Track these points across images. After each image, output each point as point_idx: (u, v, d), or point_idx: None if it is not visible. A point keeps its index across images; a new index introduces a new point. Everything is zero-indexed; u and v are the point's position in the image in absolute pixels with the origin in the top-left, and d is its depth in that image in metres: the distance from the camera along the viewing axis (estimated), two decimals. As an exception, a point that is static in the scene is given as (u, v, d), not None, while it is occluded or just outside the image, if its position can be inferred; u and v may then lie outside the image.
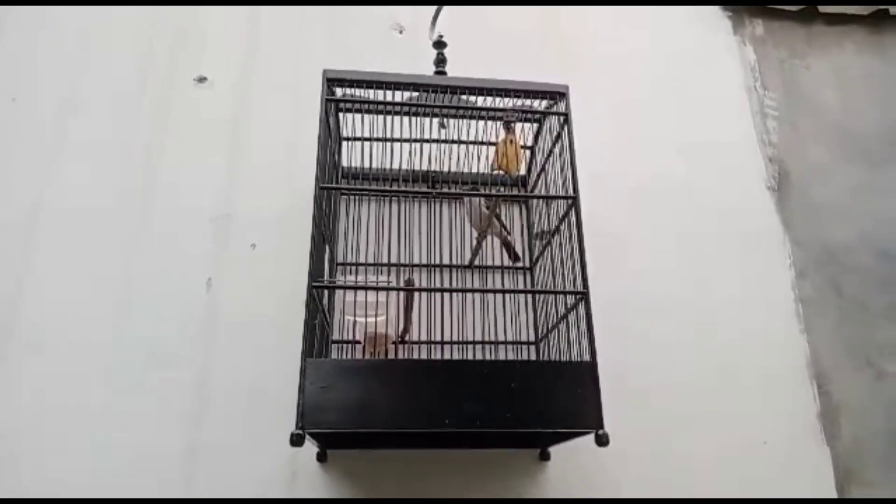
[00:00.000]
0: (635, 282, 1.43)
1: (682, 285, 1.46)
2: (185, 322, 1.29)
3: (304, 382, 0.90)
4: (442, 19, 1.35)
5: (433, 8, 1.36)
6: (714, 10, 1.84)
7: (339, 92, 1.15)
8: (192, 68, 1.55)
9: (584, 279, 1.04)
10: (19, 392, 1.21)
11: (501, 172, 1.21)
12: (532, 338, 1.32)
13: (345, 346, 1.22)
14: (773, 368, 1.41)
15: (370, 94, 1.14)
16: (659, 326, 1.40)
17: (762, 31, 1.82)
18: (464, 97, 1.19)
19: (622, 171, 1.55)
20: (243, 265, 1.36)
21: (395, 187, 1.25)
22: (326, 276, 1.19)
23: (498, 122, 1.21)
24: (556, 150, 1.19)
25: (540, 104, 1.21)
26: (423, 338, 1.20)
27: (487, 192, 1.29)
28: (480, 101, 1.19)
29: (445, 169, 1.26)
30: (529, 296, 1.35)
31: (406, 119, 1.21)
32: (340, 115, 1.28)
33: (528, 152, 1.38)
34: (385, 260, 1.24)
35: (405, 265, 1.22)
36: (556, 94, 1.18)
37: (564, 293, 1.11)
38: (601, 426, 0.94)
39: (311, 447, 1.16)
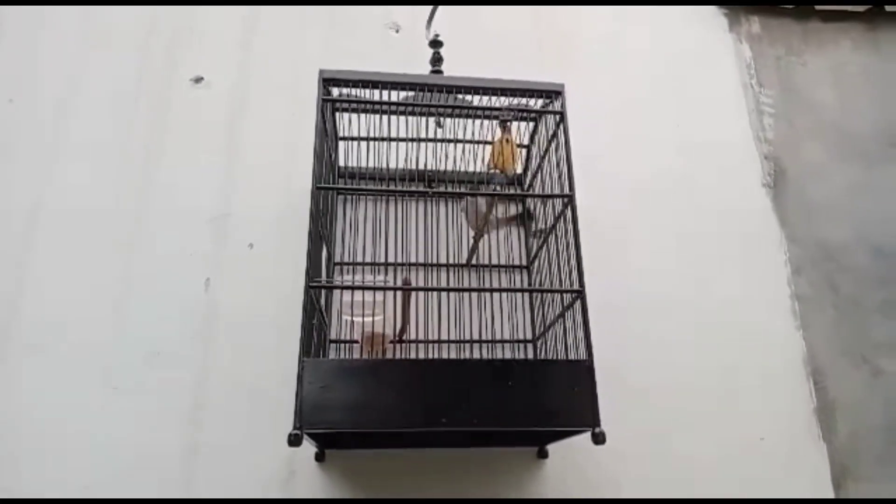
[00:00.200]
0: (632, 280, 1.43)
1: (679, 283, 1.46)
2: (184, 322, 1.30)
3: (302, 382, 0.91)
4: (438, 18, 1.35)
5: (429, 7, 1.36)
6: (710, 8, 1.84)
7: (335, 92, 1.15)
8: (191, 69, 1.55)
9: (581, 277, 1.05)
10: (19, 392, 1.22)
11: (498, 171, 1.21)
12: (529, 336, 1.32)
13: (343, 345, 1.22)
14: (770, 366, 1.41)
15: (366, 93, 1.14)
16: (656, 325, 1.41)
17: (758, 29, 1.82)
18: (460, 96, 1.20)
19: (619, 170, 1.55)
20: (242, 265, 1.36)
21: (392, 187, 1.26)
22: (324, 276, 1.19)
23: (494, 121, 1.21)
24: (553, 149, 1.19)
25: (536, 103, 1.21)
26: (421, 337, 1.21)
27: (484, 191, 1.30)
28: (477, 100, 1.19)
29: (442, 168, 1.26)
30: (526, 294, 1.36)
31: (403, 118, 1.22)
32: (337, 114, 1.28)
33: (524, 151, 1.38)
34: (382, 259, 1.24)
35: (402, 264, 1.23)
36: (553, 93, 1.18)
37: (561, 291, 1.12)
38: (598, 424, 0.94)
39: (309, 447, 1.16)
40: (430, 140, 1.24)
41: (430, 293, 1.18)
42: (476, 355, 1.26)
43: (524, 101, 1.19)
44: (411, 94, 1.17)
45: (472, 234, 1.31)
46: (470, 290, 1.26)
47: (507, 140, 1.20)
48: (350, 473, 1.21)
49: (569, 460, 1.25)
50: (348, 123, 1.28)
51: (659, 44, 1.76)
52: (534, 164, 1.35)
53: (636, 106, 1.66)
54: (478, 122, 1.25)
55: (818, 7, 1.84)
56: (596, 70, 1.68)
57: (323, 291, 1.14)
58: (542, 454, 1.26)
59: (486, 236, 1.31)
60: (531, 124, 1.34)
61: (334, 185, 1.32)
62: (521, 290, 1.37)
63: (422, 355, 1.22)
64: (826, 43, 1.84)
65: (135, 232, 1.37)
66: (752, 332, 1.44)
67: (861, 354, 1.45)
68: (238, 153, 1.47)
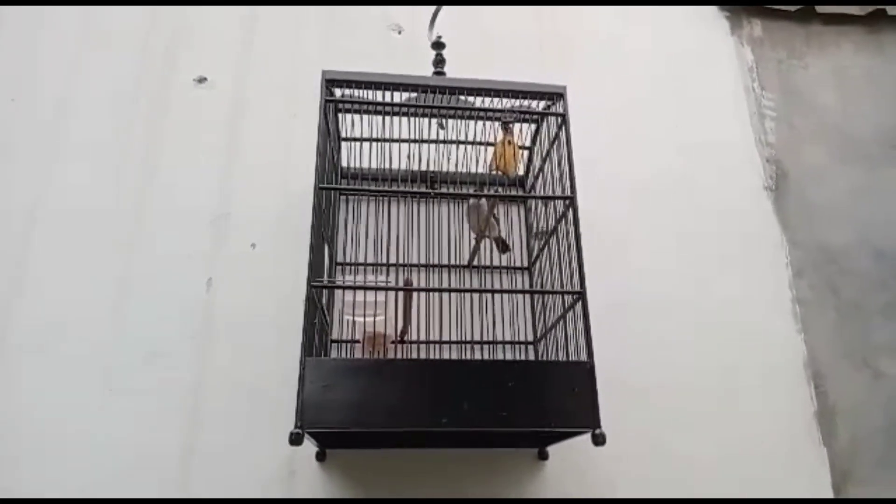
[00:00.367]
0: (633, 281, 1.43)
1: (680, 285, 1.46)
2: (184, 322, 1.29)
3: (304, 381, 0.90)
4: (440, 20, 1.35)
5: (432, 8, 1.36)
6: (712, 11, 1.84)
7: (338, 93, 1.15)
8: (190, 69, 1.55)
9: (582, 279, 1.05)
10: (19, 392, 1.22)
11: (499, 173, 1.21)
12: (530, 337, 1.32)
13: (344, 345, 1.22)
14: (771, 368, 1.41)
15: (369, 94, 1.15)
16: (657, 326, 1.41)
17: (760, 32, 1.83)
18: (462, 98, 1.20)
19: (620, 171, 1.55)
20: (241, 265, 1.36)
21: (394, 187, 1.26)
22: (326, 276, 1.19)
23: (496, 123, 1.22)
24: (554, 151, 1.20)
25: (538, 105, 1.21)
26: (422, 337, 1.21)
27: (486, 192, 1.30)
28: (479, 101, 1.20)
29: (444, 169, 1.26)
30: (528, 296, 1.36)
31: (405, 120, 1.22)
32: (340, 115, 1.29)
33: (525, 153, 1.38)
34: (384, 260, 1.24)
35: (404, 265, 1.23)
36: (554, 95, 1.18)
37: (562, 293, 1.12)
38: (598, 426, 0.94)
39: (309, 447, 1.16)
40: (433, 141, 1.24)
41: (431, 294, 1.18)
42: (477, 356, 1.26)
43: (526, 102, 1.19)
44: (414, 95, 1.17)
45: (473, 235, 1.31)
46: (471, 291, 1.26)
47: (510, 142, 1.20)
48: (351, 473, 1.20)
49: (569, 462, 1.25)
50: (350, 124, 1.28)
51: (660, 45, 1.76)
52: (535, 165, 1.35)
53: (637, 107, 1.66)
54: (480, 123, 1.25)
55: (819, 10, 1.84)
56: (597, 71, 1.68)
57: (325, 291, 1.14)
58: (543, 455, 1.25)
59: (487, 238, 1.31)
60: (533, 126, 1.34)
61: (337, 185, 1.32)
62: (523, 292, 1.37)
63: (423, 356, 1.22)
64: (828, 46, 1.84)
65: (134, 232, 1.37)
66: (753, 334, 1.44)
67: (862, 357, 1.45)
68: (238, 153, 1.47)
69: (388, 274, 1.27)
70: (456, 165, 1.30)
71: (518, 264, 1.39)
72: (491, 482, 1.23)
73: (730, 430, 1.34)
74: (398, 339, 1.14)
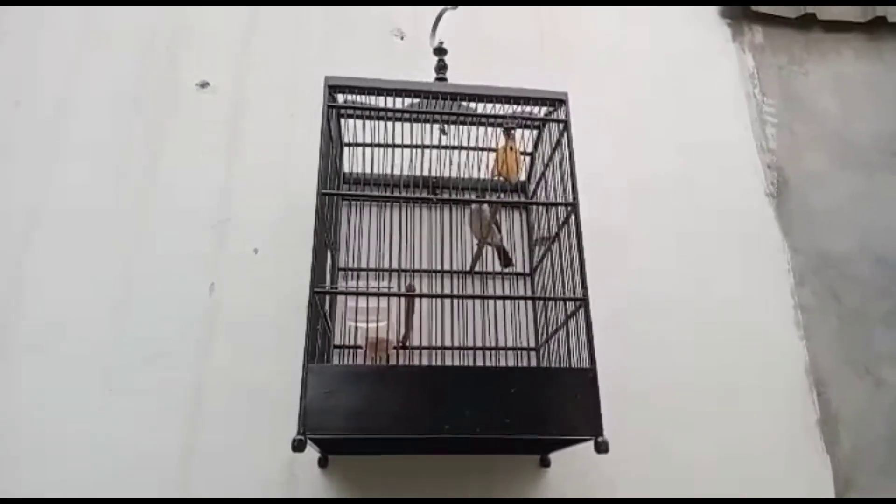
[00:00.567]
0: (635, 283, 1.44)
1: (682, 289, 1.46)
2: (184, 323, 1.29)
3: (307, 387, 0.90)
4: (442, 25, 1.35)
5: (434, 14, 1.36)
6: (713, 17, 1.84)
7: (340, 98, 1.15)
8: (191, 69, 1.55)
9: (584, 285, 1.05)
10: (19, 392, 1.21)
11: (501, 179, 1.21)
12: (532, 344, 1.32)
13: (346, 351, 1.22)
14: (773, 374, 1.41)
15: (371, 100, 1.14)
16: (659, 328, 1.41)
17: (761, 38, 1.83)
18: (464, 104, 1.20)
19: (621, 174, 1.55)
20: (242, 267, 1.36)
21: (396, 193, 1.25)
22: (328, 282, 1.19)
23: (498, 129, 1.22)
24: (556, 157, 1.19)
25: (539, 111, 1.21)
26: (424, 343, 1.21)
27: (488, 198, 1.30)
28: (481, 107, 1.20)
29: (446, 175, 1.26)
30: (530, 302, 1.35)
31: (407, 125, 1.22)
32: (342, 120, 1.28)
33: (527, 159, 1.38)
34: (386, 265, 1.24)
35: (406, 271, 1.23)
36: (556, 101, 1.18)
37: (564, 300, 1.11)
38: (600, 433, 0.94)
39: (311, 452, 1.16)
40: (435, 147, 1.24)
41: (433, 300, 1.18)
42: (479, 362, 1.26)
43: (528, 109, 1.19)
44: (416, 100, 1.17)
45: (475, 240, 1.31)
46: (473, 297, 1.26)
47: (511, 148, 1.20)
48: (352, 479, 1.20)
49: (571, 468, 1.25)
50: (353, 130, 1.28)
51: (662, 54, 1.76)
52: (537, 171, 1.35)
53: (639, 112, 1.66)
54: (482, 129, 1.25)
55: (820, 17, 1.84)
56: (598, 74, 1.69)
57: (327, 297, 1.14)
58: (545, 462, 1.26)
59: (489, 244, 1.31)
60: (535, 132, 1.34)
61: (339, 190, 1.32)
62: (525, 298, 1.37)
63: (425, 362, 1.22)
64: (828, 52, 1.85)
65: (135, 232, 1.37)
66: (755, 341, 1.44)
67: (864, 365, 1.45)
68: (238, 155, 1.47)
69: (390, 279, 1.27)
70: (458, 171, 1.30)
71: (520, 270, 1.39)
72: (492, 489, 1.23)
73: (732, 435, 1.34)
74: (400, 344, 1.14)
